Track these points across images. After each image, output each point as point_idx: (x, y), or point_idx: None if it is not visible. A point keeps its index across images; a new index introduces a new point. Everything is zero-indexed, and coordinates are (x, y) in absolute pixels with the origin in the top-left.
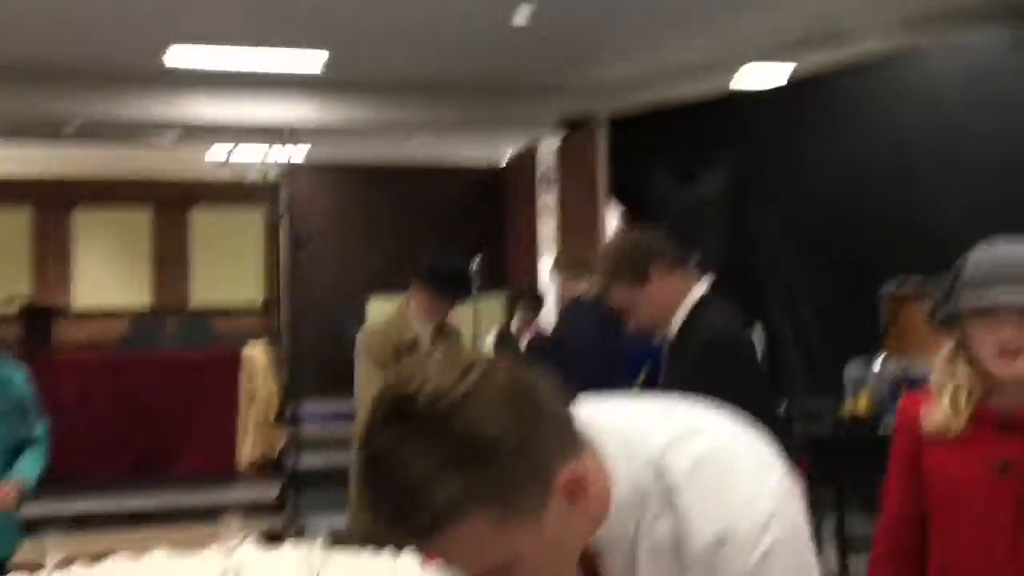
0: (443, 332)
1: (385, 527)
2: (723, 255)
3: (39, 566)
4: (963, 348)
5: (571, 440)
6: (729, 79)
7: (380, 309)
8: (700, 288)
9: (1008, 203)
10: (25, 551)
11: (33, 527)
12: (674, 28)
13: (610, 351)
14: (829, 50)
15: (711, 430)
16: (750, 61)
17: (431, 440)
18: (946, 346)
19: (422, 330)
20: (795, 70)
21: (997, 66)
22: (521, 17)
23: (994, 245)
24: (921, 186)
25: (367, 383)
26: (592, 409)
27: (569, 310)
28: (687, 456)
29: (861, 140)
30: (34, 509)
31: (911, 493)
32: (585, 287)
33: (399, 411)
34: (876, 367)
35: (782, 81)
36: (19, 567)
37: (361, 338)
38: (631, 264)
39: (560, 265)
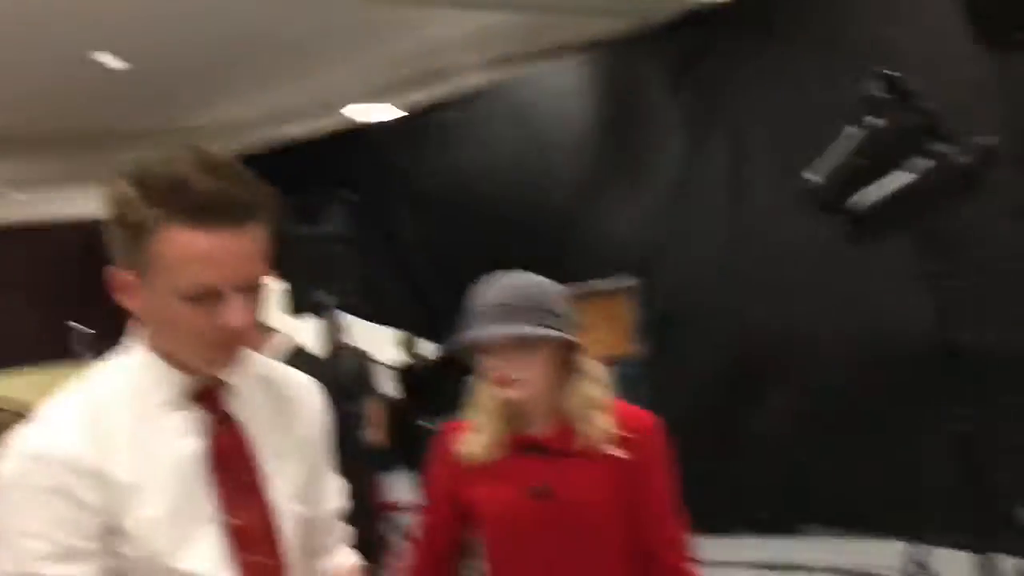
0: None
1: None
2: (357, 289)
3: None
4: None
5: None
6: (341, 117)
7: None
8: None
9: (592, 208)
10: None
11: None
12: (285, 70)
13: None
14: (432, 87)
15: None
16: (361, 100)
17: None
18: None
19: None
20: (404, 105)
21: (569, 89)
22: (114, 61)
23: (491, 280)
24: (526, 199)
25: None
26: None
27: None
28: None
29: (470, 162)
30: None
31: (446, 525)
32: None
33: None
34: None
35: (393, 116)
36: None
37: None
38: None
39: None
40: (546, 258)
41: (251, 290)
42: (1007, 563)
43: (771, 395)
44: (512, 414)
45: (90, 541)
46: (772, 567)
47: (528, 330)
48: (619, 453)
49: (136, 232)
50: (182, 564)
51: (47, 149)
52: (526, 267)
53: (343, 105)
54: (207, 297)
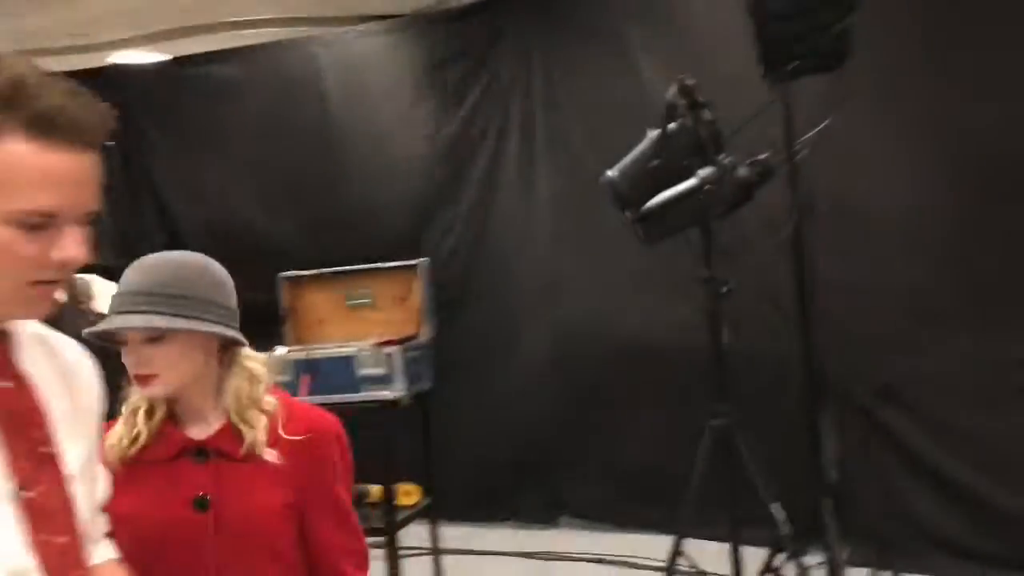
0: None
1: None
2: (118, 243)
3: None
4: None
5: None
6: (102, 58)
7: None
8: None
9: (380, 181)
10: None
11: None
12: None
13: None
14: (212, 38)
15: None
16: (129, 45)
17: None
18: None
19: None
20: (178, 50)
21: (367, 57)
22: None
23: (136, 262)
24: (312, 165)
25: None
26: None
27: None
28: None
29: (250, 119)
30: None
31: None
32: None
33: None
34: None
35: (164, 58)
36: None
37: None
38: None
39: None
40: (328, 227)
41: (86, 224)
42: (760, 554)
43: (543, 386)
44: (171, 413)
45: None
46: (536, 556)
47: (149, 321)
48: (285, 457)
49: None
50: None
51: None
52: (304, 236)
53: (108, 48)
54: (41, 225)
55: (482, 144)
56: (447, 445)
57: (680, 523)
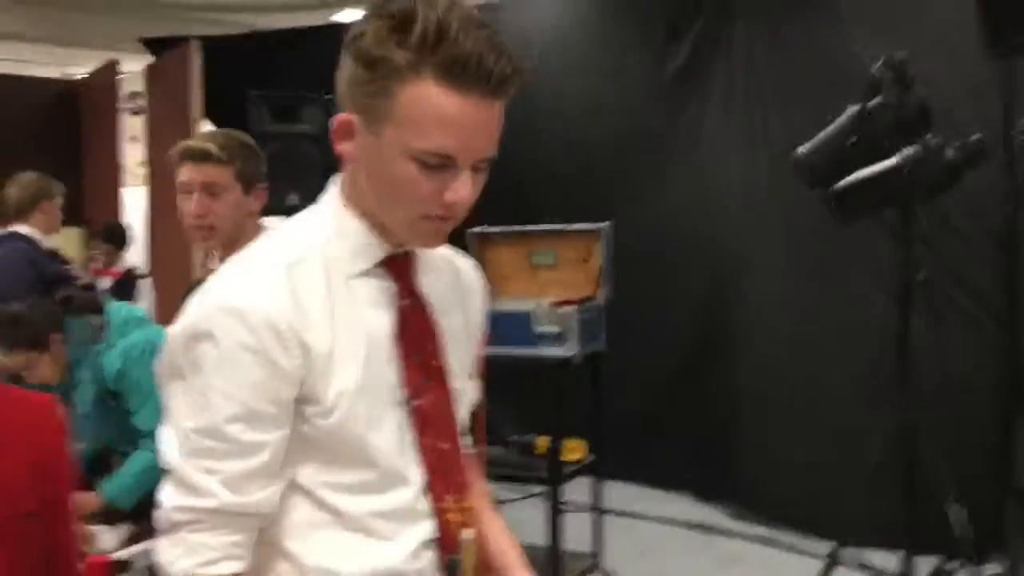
0: None
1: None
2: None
3: None
4: None
5: None
6: (328, 15)
7: None
8: None
9: (591, 140)
10: None
11: None
12: None
13: None
14: None
15: None
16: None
17: None
18: None
19: None
20: None
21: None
22: None
23: None
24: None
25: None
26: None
27: None
28: None
29: None
30: None
31: None
32: None
33: None
34: None
35: None
36: None
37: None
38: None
39: None
40: (521, 191)
41: (479, 170)
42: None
43: (716, 361)
44: None
45: (280, 408)
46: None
47: None
48: None
49: (382, 75)
50: (371, 439)
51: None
52: (497, 197)
53: (335, 7)
54: (439, 165)
55: (682, 116)
56: (616, 406)
57: (846, 524)
